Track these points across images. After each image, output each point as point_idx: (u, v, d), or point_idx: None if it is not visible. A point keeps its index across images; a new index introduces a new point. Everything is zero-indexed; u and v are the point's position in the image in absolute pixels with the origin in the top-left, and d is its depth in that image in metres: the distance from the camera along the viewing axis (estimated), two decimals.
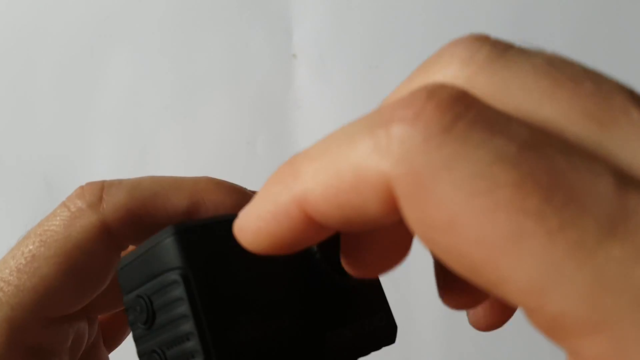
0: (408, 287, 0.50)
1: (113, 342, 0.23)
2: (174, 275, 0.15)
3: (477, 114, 0.10)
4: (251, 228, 0.12)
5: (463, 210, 0.09)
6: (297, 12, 0.56)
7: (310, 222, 0.12)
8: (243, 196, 0.20)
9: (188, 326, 0.15)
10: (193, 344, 0.15)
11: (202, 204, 0.19)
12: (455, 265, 0.10)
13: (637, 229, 0.09)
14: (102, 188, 0.19)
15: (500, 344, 0.51)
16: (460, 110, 0.10)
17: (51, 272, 0.18)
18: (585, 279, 0.09)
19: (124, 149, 0.53)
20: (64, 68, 0.55)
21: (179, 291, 0.15)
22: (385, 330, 0.19)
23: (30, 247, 0.18)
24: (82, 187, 0.19)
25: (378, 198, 0.10)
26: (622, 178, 0.09)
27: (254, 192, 0.20)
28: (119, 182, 0.19)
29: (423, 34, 0.56)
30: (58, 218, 0.19)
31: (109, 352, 0.23)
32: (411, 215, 0.10)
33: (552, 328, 0.09)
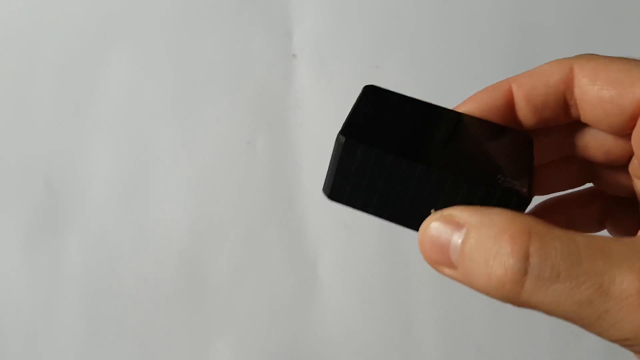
0: (408, 288, 0.50)
1: None
2: None
3: None
4: (470, 100, 0.22)
5: (616, 60, 0.16)
6: (297, 12, 0.56)
7: (510, 100, 0.21)
8: None
9: None
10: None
11: None
12: (606, 88, 0.17)
13: None
14: None
15: (500, 345, 0.51)
16: None
17: None
18: None
19: (124, 149, 0.53)
20: (64, 67, 0.55)
21: None
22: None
23: None
24: None
25: (561, 72, 0.20)
26: None
27: None
28: None
29: (423, 34, 0.56)
30: None
31: None
32: (583, 71, 0.18)
33: None
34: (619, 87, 0.18)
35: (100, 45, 0.56)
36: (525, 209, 0.18)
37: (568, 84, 0.20)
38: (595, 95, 0.19)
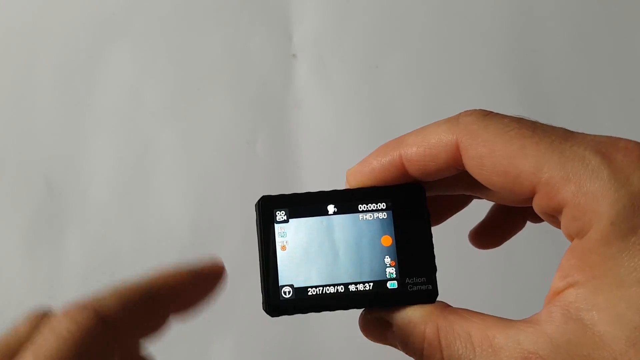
0: None
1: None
2: None
3: (496, 114, 0.21)
4: (363, 172, 0.23)
5: (498, 140, 0.20)
6: (297, 12, 0.56)
7: (402, 170, 0.22)
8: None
9: None
10: None
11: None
12: (494, 176, 0.20)
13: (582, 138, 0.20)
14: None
15: None
16: (488, 113, 0.21)
17: None
18: (558, 158, 0.19)
19: (124, 149, 0.54)
20: (64, 68, 0.55)
21: None
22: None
23: None
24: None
25: (448, 151, 0.21)
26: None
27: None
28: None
29: (423, 34, 0.56)
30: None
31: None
32: (469, 154, 0.21)
33: (546, 191, 0.19)
34: (506, 177, 0.20)
35: (100, 45, 0.56)
36: (434, 299, 0.23)
37: (457, 160, 0.22)
38: (485, 180, 0.21)
